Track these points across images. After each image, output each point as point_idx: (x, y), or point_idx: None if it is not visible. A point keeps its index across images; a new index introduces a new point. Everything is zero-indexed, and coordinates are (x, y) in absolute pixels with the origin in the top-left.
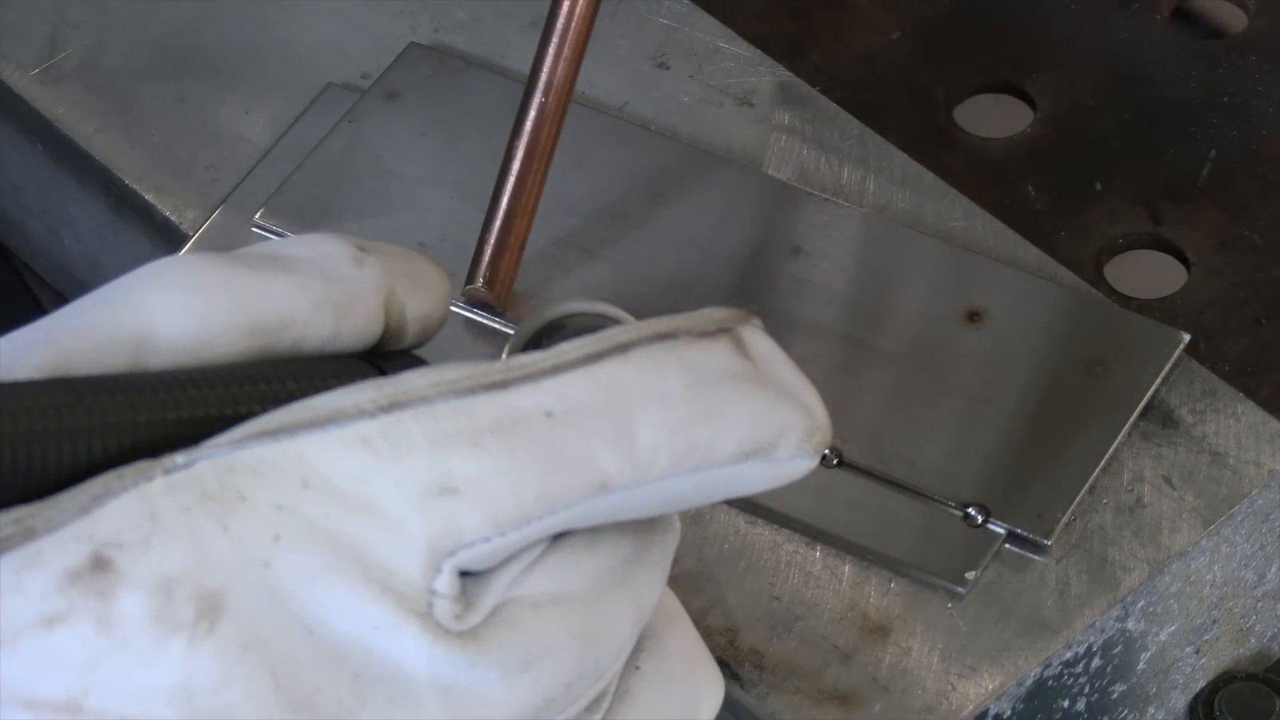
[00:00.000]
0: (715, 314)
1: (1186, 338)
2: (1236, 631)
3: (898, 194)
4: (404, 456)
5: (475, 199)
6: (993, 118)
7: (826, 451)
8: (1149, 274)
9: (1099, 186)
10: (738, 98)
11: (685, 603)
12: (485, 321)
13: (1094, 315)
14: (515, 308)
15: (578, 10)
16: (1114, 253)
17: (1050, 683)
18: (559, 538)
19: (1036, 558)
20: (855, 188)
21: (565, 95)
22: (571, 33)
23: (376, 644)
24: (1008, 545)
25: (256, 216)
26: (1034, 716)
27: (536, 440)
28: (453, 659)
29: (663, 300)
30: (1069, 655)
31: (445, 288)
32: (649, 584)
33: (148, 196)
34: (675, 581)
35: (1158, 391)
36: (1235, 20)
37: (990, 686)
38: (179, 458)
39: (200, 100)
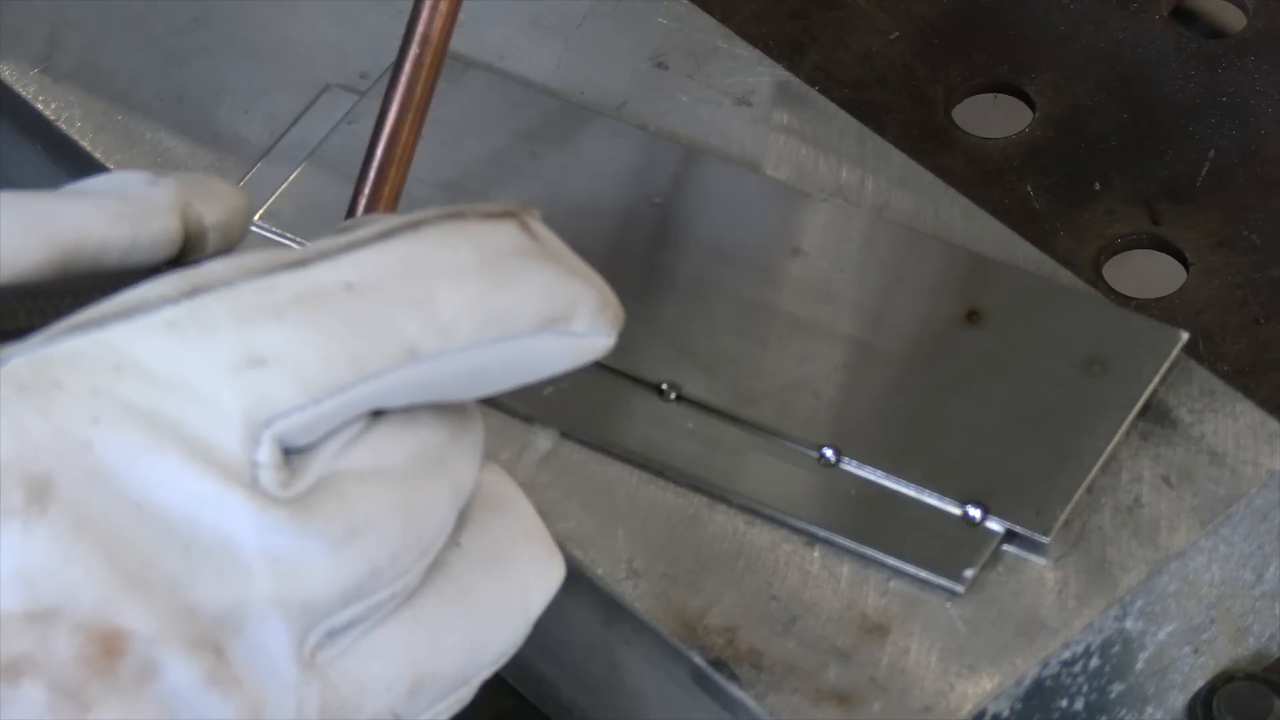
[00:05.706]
0: (499, 204)
1: (1185, 337)
2: (1235, 631)
3: (896, 194)
4: (210, 334)
5: (474, 200)
6: (991, 118)
7: (827, 451)
8: (1148, 274)
9: (1098, 186)
10: (736, 97)
11: (682, 602)
12: None
13: (1093, 315)
14: None
15: None
16: (1113, 252)
17: (1048, 682)
18: (377, 417)
19: (1035, 558)
20: (854, 187)
21: (440, 48)
22: None
23: (204, 516)
24: (1006, 546)
25: (256, 217)
26: (1032, 716)
27: (339, 310)
28: (280, 526)
29: (662, 300)
30: (1067, 655)
31: (242, 199)
32: (464, 466)
33: None
34: (672, 580)
35: (1156, 391)
36: (1234, 20)
37: (989, 686)
38: None
39: (199, 100)
